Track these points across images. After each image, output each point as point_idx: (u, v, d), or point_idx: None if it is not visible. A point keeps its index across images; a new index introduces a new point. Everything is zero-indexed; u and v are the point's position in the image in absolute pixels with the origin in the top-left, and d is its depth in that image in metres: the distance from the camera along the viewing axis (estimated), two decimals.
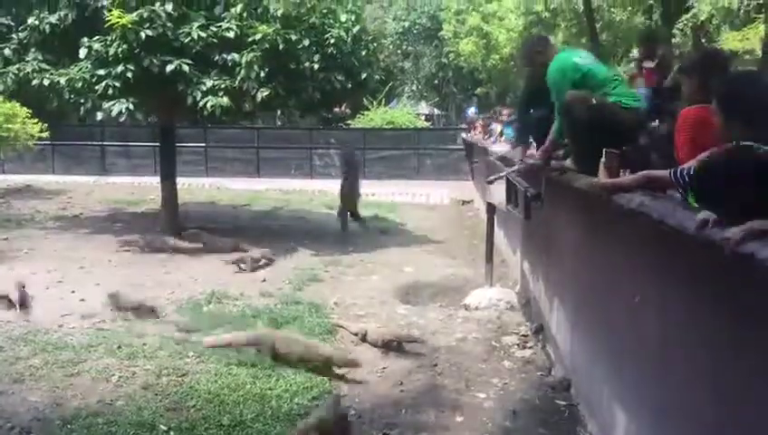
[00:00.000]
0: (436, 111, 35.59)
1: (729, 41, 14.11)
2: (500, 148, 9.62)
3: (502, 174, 7.02)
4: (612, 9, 21.95)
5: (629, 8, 21.59)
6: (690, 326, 3.03)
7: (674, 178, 2.89)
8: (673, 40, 18.85)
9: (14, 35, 10.55)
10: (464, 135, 20.36)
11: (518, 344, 6.72)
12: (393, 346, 6.50)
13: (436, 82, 34.70)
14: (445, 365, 6.14)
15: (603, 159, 3.67)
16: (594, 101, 4.37)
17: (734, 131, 2.71)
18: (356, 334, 6.80)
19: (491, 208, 8.65)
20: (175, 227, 12.17)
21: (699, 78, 3.71)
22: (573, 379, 5.44)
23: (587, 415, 4.89)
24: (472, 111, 20.83)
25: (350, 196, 12.50)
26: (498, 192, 7.53)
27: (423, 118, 30.51)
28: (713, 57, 4.09)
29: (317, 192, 18.72)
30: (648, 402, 3.60)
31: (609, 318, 4.38)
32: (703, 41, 16.30)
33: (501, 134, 11.85)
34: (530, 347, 6.67)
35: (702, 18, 14.34)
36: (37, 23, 10.20)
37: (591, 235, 4.93)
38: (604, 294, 4.51)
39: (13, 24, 10.63)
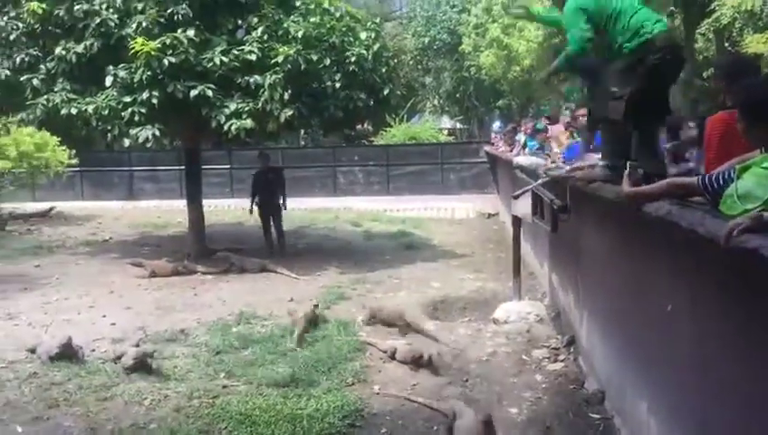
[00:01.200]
0: (459, 125, 35.54)
1: (753, 44, 13.91)
2: (524, 159, 9.57)
3: (528, 188, 7.00)
4: None
5: None
6: (724, 335, 2.97)
7: (702, 184, 2.84)
8: (696, 45, 18.69)
9: (42, 66, 10.77)
10: (487, 148, 20.29)
11: (549, 358, 6.65)
12: (423, 363, 6.46)
13: (457, 95, 34.66)
14: (475, 380, 6.09)
15: (627, 171, 3.65)
16: None
17: (760, 137, 2.67)
18: (385, 352, 6.79)
19: (517, 221, 8.60)
20: (202, 249, 12.28)
21: (725, 83, 3.68)
22: (607, 391, 5.36)
23: (622, 428, 4.81)
24: (497, 125, 20.73)
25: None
26: (524, 205, 7.50)
27: (445, 132, 30.50)
28: (739, 62, 4.05)
29: (342, 209, 18.78)
30: (684, 413, 3.53)
31: (641, 328, 4.31)
32: (726, 45, 16.13)
33: (524, 146, 11.78)
34: (561, 360, 6.59)
35: (725, 22, 14.19)
36: (64, 52, 10.41)
37: (620, 244, 4.87)
38: (635, 305, 4.44)
39: (40, 54, 10.87)
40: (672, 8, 19.21)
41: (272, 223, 12.67)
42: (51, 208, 18.87)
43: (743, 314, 2.73)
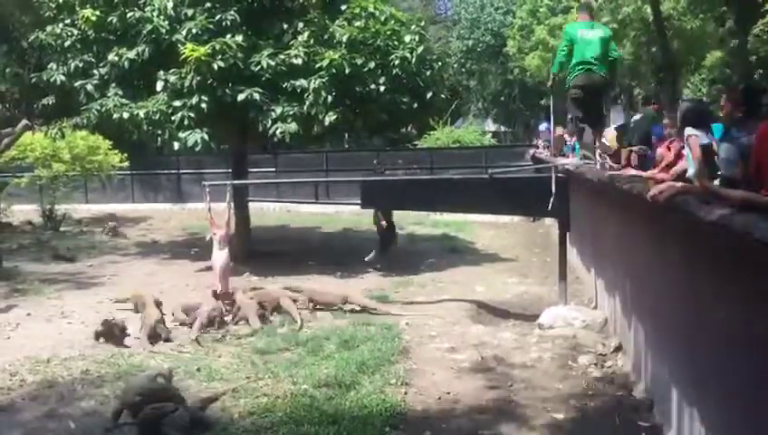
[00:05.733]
0: (503, 128, 35.33)
1: None
2: (572, 163, 9.42)
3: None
4: (683, 17, 21.38)
5: (701, 16, 20.97)
6: None
7: None
8: (748, 46, 18.20)
9: (95, 71, 11.08)
10: (532, 151, 20.07)
11: (595, 364, 6.53)
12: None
13: (502, 98, 34.47)
14: (520, 386, 6.02)
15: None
16: None
17: None
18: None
19: (563, 225, 8.50)
20: (247, 251, 12.43)
21: None
22: (656, 399, 5.25)
23: None
24: (544, 126, 20.48)
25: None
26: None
27: (490, 135, 30.31)
28: None
29: None
30: (736, 423, 3.44)
31: (693, 334, 4.22)
32: None
33: (573, 149, 11.61)
34: (608, 366, 6.48)
35: None
36: (117, 59, 10.70)
37: (670, 248, 4.77)
38: (687, 310, 4.35)
39: (94, 60, 11.18)
40: (723, 9, 18.79)
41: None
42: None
43: None
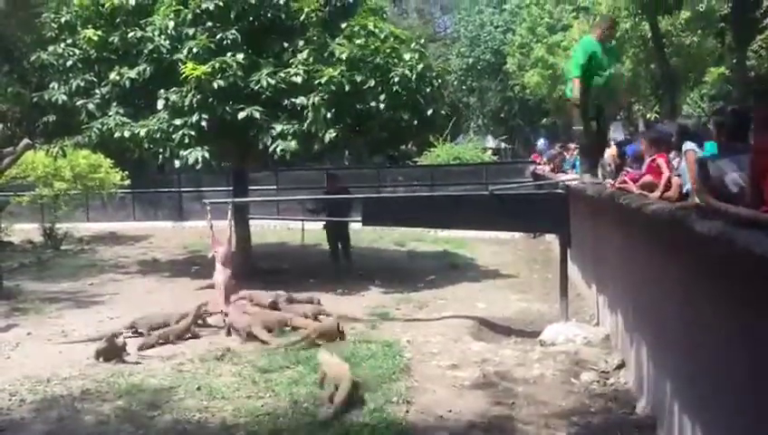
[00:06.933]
0: (503, 145, 35.43)
1: None
2: (570, 179, 9.46)
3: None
4: (682, 33, 21.50)
5: (699, 32, 21.09)
6: None
7: None
8: (747, 62, 18.28)
9: (96, 91, 11.14)
10: (533, 168, 20.11)
11: (598, 381, 6.50)
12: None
13: (501, 115, 34.63)
14: (523, 404, 5.99)
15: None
16: None
17: None
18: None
19: (564, 242, 8.49)
20: (248, 268, 12.41)
21: None
22: (659, 417, 5.21)
23: None
24: (541, 142, 20.55)
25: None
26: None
27: (490, 152, 30.40)
28: None
29: (386, 229, 18.77)
30: None
31: (695, 352, 4.20)
32: None
33: (573, 166, 11.65)
34: (610, 383, 6.45)
35: None
36: (118, 78, 10.76)
37: (672, 264, 4.76)
38: (689, 328, 4.33)
39: (95, 80, 11.24)
40: (722, 24, 18.90)
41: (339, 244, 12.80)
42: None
43: None
